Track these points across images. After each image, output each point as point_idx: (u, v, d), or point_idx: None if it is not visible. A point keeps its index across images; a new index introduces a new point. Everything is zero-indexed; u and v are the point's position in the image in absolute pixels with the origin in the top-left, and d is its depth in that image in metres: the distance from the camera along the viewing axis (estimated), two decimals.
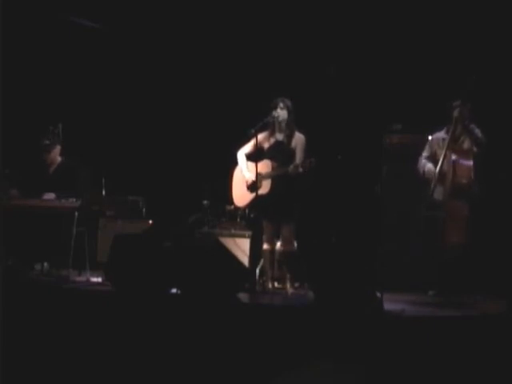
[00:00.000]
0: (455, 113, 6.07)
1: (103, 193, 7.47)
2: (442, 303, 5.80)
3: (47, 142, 6.91)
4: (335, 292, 5.21)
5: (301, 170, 5.95)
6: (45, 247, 6.55)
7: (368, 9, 7.30)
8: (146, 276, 5.59)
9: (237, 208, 6.80)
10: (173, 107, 8.09)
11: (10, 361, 4.50)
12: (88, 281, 6.51)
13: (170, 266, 5.67)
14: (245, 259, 6.47)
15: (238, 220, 7.04)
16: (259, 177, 6.05)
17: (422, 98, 6.96)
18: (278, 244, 6.32)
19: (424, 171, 6.25)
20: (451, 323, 4.95)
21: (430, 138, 6.43)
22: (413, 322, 5.02)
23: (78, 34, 8.00)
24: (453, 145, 6.12)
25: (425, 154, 6.36)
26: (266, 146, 6.30)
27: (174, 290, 5.64)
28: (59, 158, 7.01)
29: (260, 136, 6.14)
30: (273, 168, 6.17)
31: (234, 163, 6.44)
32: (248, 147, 6.34)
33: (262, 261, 6.44)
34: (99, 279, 6.43)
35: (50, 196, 6.70)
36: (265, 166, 6.17)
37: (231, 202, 6.59)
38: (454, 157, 6.01)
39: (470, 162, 5.99)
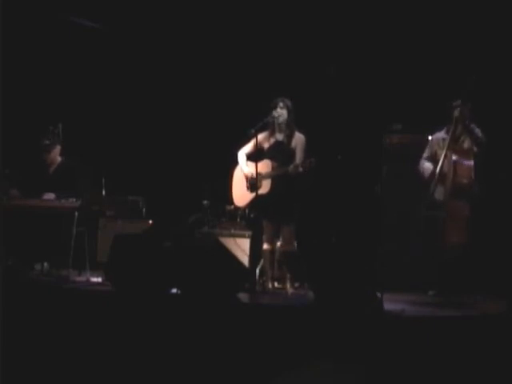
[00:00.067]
0: (456, 113, 6.07)
1: (103, 193, 7.46)
2: (442, 303, 5.79)
3: (47, 141, 6.91)
4: (335, 292, 5.21)
5: (301, 169, 5.95)
6: (45, 247, 6.54)
7: (368, 9, 7.30)
8: (146, 276, 5.59)
9: (237, 208, 6.80)
10: (173, 107, 8.08)
11: (10, 361, 4.50)
12: (88, 281, 6.51)
13: (170, 266, 5.67)
14: (245, 259, 6.47)
15: (238, 220, 7.03)
16: (259, 177, 6.05)
17: (422, 98, 6.97)
18: (278, 244, 6.32)
19: (425, 173, 6.24)
20: (451, 323, 4.95)
21: (430, 138, 6.43)
22: (413, 321, 5.02)
23: (78, 33, 8.00)
24: (453, 145, 6.12)
25: (425, 154, 6.36)
26: (266, 145, 6.30)
27: (174, 290, 5.64)
28: (59, 158, 7.01)
29: (260, 136, 6.14)
30: (273, 168, 6.17)
31: (234, 163, 6.44)
32: (248, 147, 6.34)
33: (261, 261, 6.44)
34: (99, 279, 6.43)
35: (50, 196, 6.70)
36: (265, 165, 6.17)
37: (231, 201, 6.59)
38: (454, 157, 6.01)
39: (471, 162, 5.99)
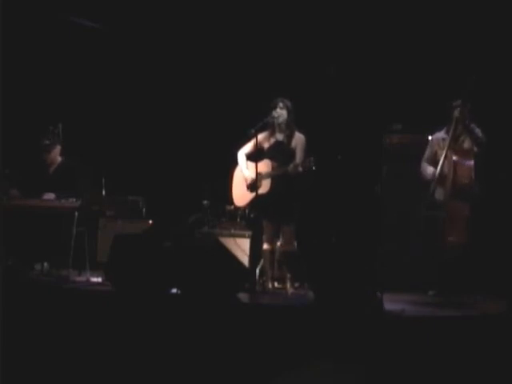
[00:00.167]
0: (456, 113, 6.06)
1: (103, 193, 7.46)
2: (442, 303, 5.79)
3: (47, 141, 6.91)
4: (335, 292, 5.21)
5: (300, 169, 5.96)
6: (45, 247, 6.54)
7: (368, 9, 7.30)
8: (146, 276, 5.59)
9: (237, 208, 6.80)
10: (173, 107, 8.08)
11: (10, 361, 4.50)
12: (88, 281, 6.50)
13: (170, 266, 5.67)
14: (245, 259, 6.47)
15: (238, 220, 7.03)
16: (259, 176, 6.06)
17: (422, 98, 6.96)
18: (278, 244, 6.32)
19: (429, 177, 6.22)
20: (451, 323, 4.95)
21: (430, 138, 6.43)
22: (413, 321, 5.02)
23: (78, 33, 8.00)
24: (453, 145, 6.11)
25: (425, 155, 6.36)
26: (266, 145, 6.30)
27: (174, 290, 5.64)
28: (59, 158, 7.01)
29: (260, 136, 6.14)
30: (273, 168, 6.17)
31: (234, 163, 6.44)
32: (248, 147, 6.34)
33: (262, 261, 6.43)
34: (99, 279, 6.43)
35: (50, 196, 6.70)
36: (265, 165, 6.17)
37: (231, 202, 6.59)
38: (454, 157, 6.00)
39: (471, 162, 5.98)
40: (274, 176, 6.11)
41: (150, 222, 7.43)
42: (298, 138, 6.23)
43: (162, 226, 7.25)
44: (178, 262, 5.71)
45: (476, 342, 4.59)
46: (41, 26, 7.98)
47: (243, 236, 6.81)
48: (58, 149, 6.98)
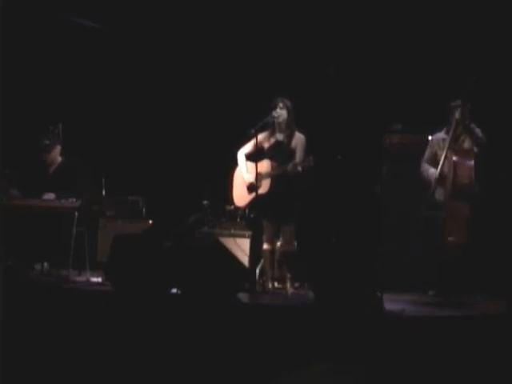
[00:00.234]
0: (456, 114, 6.05)
1: (103, 193, 7.46)
2: (442, 303, 5.79)
3: (47, 142, 6.91)
4: (335, 292, 5.21)
5: (300, 168, 5.96)
6: (45, 247, 6.54)
7: (368, 9, 7.29)
8: (146, 276, 5.59)
9: (237, 208, 6.80)
10: (173, 107, 8.08)
11: (10, 361, 4.50)
12: (88, 281, 6.50)
13: (170, 266, 5.67)
14: (245, 259, 6.47)
15: (238, 220, 7.03)
16: (259, 176, 6.06)
17: (422, 98, 6.96)
18: (278, 244, 6.32)
19: (430, 178, 6.21)
20: (451, 323, 4.95)
21: (430, 138, 6.43)
22: (413, 321, 5.02)
23: (78, 33, 8.00)
24: (453, 145, 6.11)
25: (426, 155, 6.36)
26: (266, 145, 6.30)
27: (174, 290, 5.64)
28: (59, 158, 7.01)
29: (260, 136, 6.14)
30: (272, 168, 6.17)
31: (234, 163, 6.44)
32: (248, 147, 6.34)
33: (262, 261, 6.44)
34: (99, 279, 6.43)
35: (50, 196, 6.70)
36: (265, 165, 6.17)
37: (231, 202, 6.59)
38: (454, 157, 6.00)
39: (471, 162, 5.98)
40: (273, 176, 6.11)
41: (150, 222, 7.43)
42: (298, 138, 6.23)
43: (162, 226, 7.25)
44: (178, 262, 5.71)
45: (476, 342, 4.59)
46: (41, 25, 7.98)
47: (243, 236, 6.81)
48: (58, 149, 6.98)
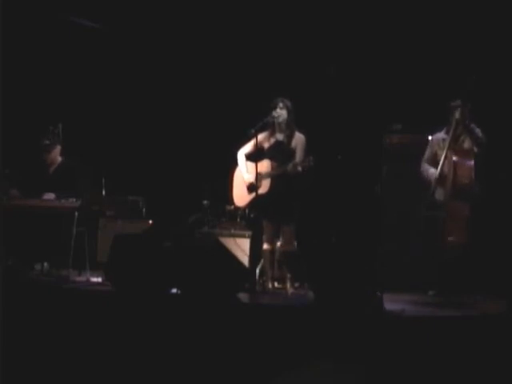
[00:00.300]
0: (457, 114, 6.05)
1: (103, 193, 7.47)
2: (442, 303, 5.80)
3: (47, 142, 6.91)
4: (335, 292, 5.21)
5: (299, 168, 5.96)
6: (45, 247, 6.54)
7: (368, 9, 7.30)
8: (146, 276, 5.59)
9: (237, 208, 6.80)
10: (173, 107, 8.08)
11: (10, 361, 4.50)
12: (88, 281, 6.51)
13: (170, 266, 5.67)
14: (245, 259, 6.47)
15: (238, 220, 7.03)
16: (259, 176, 6.06)
17: (422, 98, 6.96)
18: (278, 244, 6.32)
19: (430, 178, 6.21)
20: (451, 323, 4.95)
21: (430, 138, 6.43)
22: (413, 322, 5.02)
23: (78, 33, 8.00)
24: (453, 145, 6.11)
25: (426, 155, 6.35)
26: (266, 145, 6.30)
27: (174, 290, 5.64)
28: (59, 158, 7.01)
29: (260, 136, 6.14)
30: (272, 168, 6.17)
31: (234, 163, 6.44)
32: (248, 147, 6.34)
33: (262, 261, 6.44)
34: (99, 279, 6.43)
35: (50, 196, 6.70)
36: (265, 165, 6.17)
37: (231, 202, 6.59)
38: (454, 157, 6.00)
39: (471, 162, 5.98)
40: (273, 176, 6.11)
41: (150, 222, 7.43)
42: (298, 138, 6.23)
43: (162, 226, 7.25)
44: (178, 262, 5.71)
45: (476, 342, 4.59)
46: (41, 26, 7.98)
47: (243, 236, 6.81)
48: (58, 149, 6.98)
